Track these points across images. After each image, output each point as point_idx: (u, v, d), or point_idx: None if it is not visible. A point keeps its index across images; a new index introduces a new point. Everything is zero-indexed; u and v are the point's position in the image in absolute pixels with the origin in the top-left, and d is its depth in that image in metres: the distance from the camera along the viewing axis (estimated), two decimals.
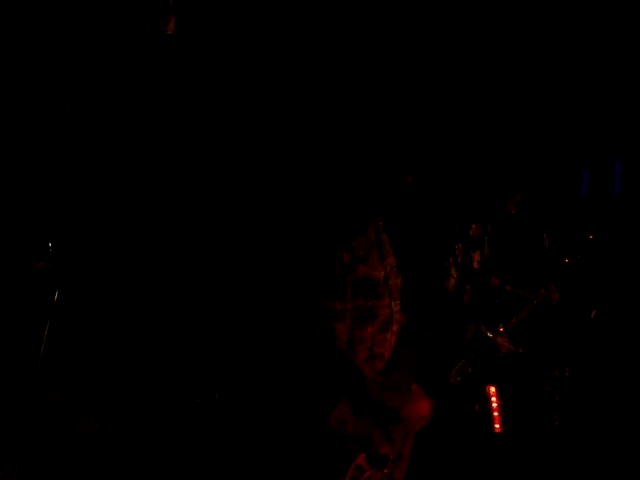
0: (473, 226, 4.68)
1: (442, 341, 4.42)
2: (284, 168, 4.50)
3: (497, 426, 4.18)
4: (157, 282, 4.33)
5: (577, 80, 4.88)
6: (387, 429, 4.01)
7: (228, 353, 4.34)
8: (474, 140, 4.86)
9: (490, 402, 4.22)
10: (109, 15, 4.22)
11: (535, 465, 4.38)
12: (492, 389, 4.24)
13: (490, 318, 4.57)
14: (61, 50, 4.18)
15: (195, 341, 4.31)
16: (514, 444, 4.33)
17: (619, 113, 5.00)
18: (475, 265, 4.75)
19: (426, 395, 4.17)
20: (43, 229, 4.16)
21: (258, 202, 4.49)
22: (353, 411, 3.98)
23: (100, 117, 4.30)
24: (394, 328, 4.12)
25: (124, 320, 4.26)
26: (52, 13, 4.16)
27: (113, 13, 4.21)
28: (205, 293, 4.36)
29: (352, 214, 3.97)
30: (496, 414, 4.20)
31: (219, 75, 4.41)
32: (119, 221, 4.31)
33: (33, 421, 3.83)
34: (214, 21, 4.40)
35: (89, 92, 4.26)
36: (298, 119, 4.53)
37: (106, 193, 4.28)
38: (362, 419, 3.97)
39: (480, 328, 4.48)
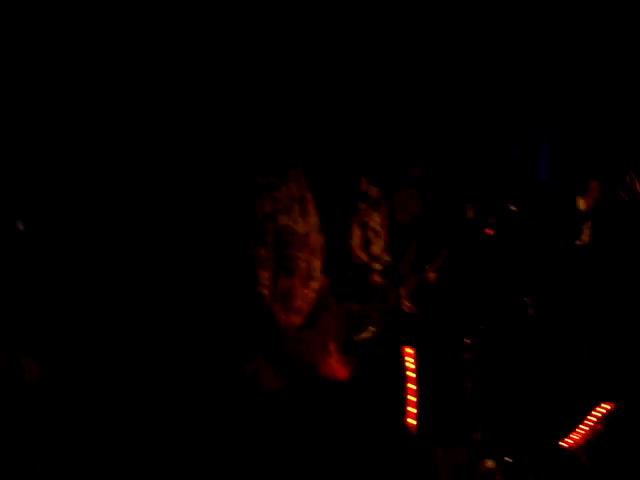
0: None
1: (362, 307, 4.46)
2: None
3: (412, 387, 4.22)
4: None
5: (506, 58, 4.93)
6: (303, 385, 4.06)
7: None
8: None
9: (405, 363, 4.27)
10: None
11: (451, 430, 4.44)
12: (408, 350, 4.29)
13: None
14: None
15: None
16: (428, 409, 4.37)
17: (548, 91, 5.07)
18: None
19: (343, 354, 4.21)
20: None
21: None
22: (268, 365, 4.02)
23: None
24: (314, 285, 4.17)
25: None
26: None
27: None
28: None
29: (271, 162, 4.02)
30: (411, 375, 4.25)
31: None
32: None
33: None
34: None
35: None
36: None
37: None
38: (277, 374, 4.02)
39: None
